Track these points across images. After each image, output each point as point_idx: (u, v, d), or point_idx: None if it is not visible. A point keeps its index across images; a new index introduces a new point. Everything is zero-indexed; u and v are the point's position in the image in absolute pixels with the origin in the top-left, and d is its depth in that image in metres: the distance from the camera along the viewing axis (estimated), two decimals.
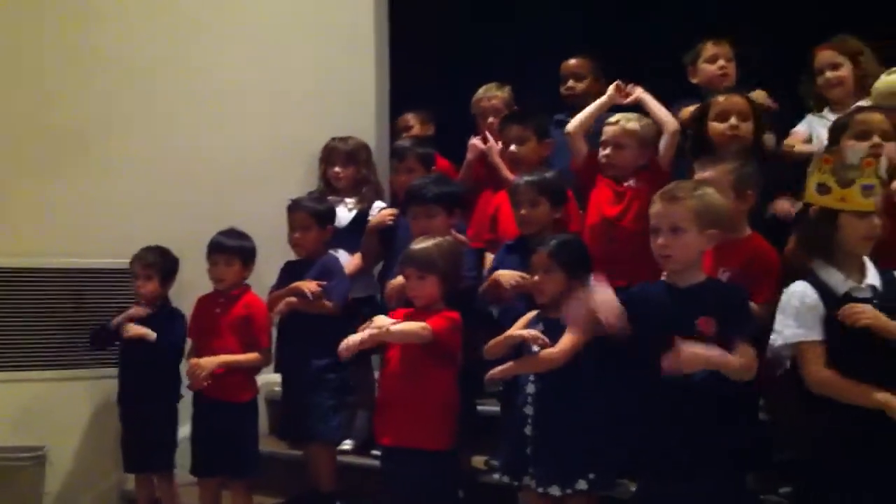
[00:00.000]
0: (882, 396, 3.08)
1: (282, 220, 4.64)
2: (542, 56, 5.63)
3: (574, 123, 4.47)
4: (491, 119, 5.10)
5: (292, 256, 4.68)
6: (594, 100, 4.59)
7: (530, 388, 3.66)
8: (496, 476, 3.82)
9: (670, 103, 4.47)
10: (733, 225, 3.53)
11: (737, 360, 3.20)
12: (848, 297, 3.19)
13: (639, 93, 4.39)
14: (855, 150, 3.47)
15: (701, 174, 3.69)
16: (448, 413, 3.86)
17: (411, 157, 4.85)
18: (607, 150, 4.31)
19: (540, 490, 3.58)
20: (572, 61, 5.38)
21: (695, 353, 3.15)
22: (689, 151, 4.19)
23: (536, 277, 3.72)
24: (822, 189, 3.26)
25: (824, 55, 4.57)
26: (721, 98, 4.18)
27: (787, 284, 3.34)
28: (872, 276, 3.23)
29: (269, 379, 4.90)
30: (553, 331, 3.60)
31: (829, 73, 4.52)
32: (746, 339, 3.25)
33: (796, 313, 3.23)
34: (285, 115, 5.54)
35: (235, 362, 4.39)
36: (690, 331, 3.21)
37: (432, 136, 5.55)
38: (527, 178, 4.19)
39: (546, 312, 3.71)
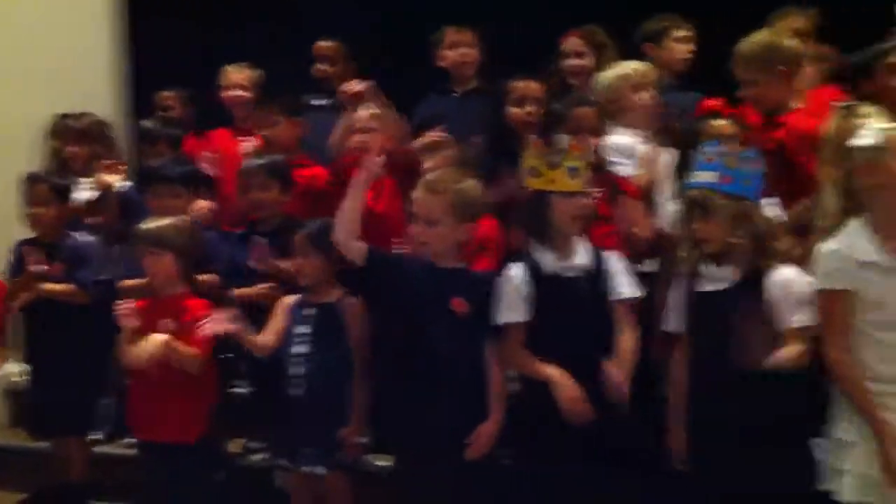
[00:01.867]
0: (550, 371, 3.28)
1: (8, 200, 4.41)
2: (296, 37, 5.57)
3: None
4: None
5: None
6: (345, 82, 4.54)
7: (298, 370, 3.68)
8: (256, 458, 3.82)
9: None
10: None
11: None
12: (557, 277, 3.36)
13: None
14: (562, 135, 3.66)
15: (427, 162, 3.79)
16: (201, 404, 3.83)
17: (162, 141, 4.75)
18: None
19: (305, 469, 3.62)
20: (323, 44, 5.38)
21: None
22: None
23: (296, 260, 3.73)
24: (534, 172, 3.40)
25: (571, 42, 4.75)
26: (518, 83, 4.26)
27: None
28: (583, 256, 3.40)
29: (8, 370, 4.64)
30: (325, 316, 3.66)
31: (573, 61, 4.72)
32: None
33: (506, 295, 3.37)
34: (15, 91, 5.25)
35: None
36: (444, 308, 3.31)
37: (191, 116, 5.42)
38: (257, 161, 4.18)
39: (311, 297, 3.75)
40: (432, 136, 4.13)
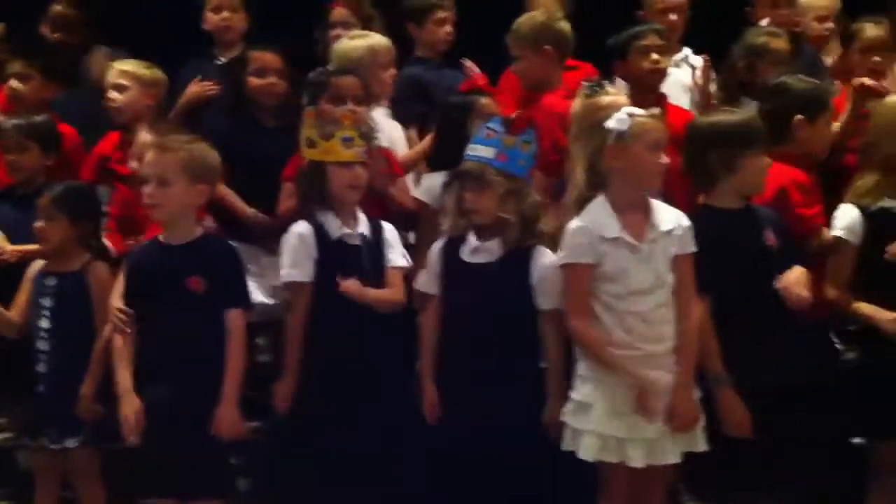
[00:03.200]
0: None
1: None
2: None
3: None
4: None
5: None
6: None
7: (43, 345, 3.57)
8: None
9: None
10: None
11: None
12: (341, 243, 3.41)
13: None
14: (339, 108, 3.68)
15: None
16: None
17: None
18: None
19: (54, 447, 3.51)
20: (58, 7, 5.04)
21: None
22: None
23: (39, 224, 3.58)
24: (309, 143, 3.42)
25: (338, 13, 4.75)
26: (257, 53, 4.17)
27: None
28: (364, 225, 3.47)
29: None
30: (68, 286, 3.54)
31: (339, 30, 4.66)
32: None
33: (293, 251, 3.39)
34: None
35: None
36: (178, 288, 3.23)
37: None
38: (14, 121, 3.99)
39: (54, 265, 3.61)
40: None
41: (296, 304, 3.40)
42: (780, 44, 4.19)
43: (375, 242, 3.48)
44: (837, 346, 3.97)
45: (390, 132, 4.17)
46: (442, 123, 4.00)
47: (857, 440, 3.59)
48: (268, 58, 4.15)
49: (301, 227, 3.41)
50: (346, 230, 3.42)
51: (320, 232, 3.40)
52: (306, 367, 3.40)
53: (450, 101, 4.11)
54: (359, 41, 4.23)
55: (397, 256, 3.50)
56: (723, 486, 3.29)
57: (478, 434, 3.28)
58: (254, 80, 4.14)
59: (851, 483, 3.64)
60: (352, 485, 3.31)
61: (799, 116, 3.55)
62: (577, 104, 3.49)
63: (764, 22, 4.52)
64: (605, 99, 3.38)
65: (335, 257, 3.39)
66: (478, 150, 3.38)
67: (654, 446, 3.12)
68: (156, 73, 4.18)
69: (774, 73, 3.91)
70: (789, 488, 3.31)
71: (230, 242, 3.43)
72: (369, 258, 3.45)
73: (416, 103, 4.48)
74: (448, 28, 4.80)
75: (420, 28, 4.79)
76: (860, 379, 3.50)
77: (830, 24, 4.62)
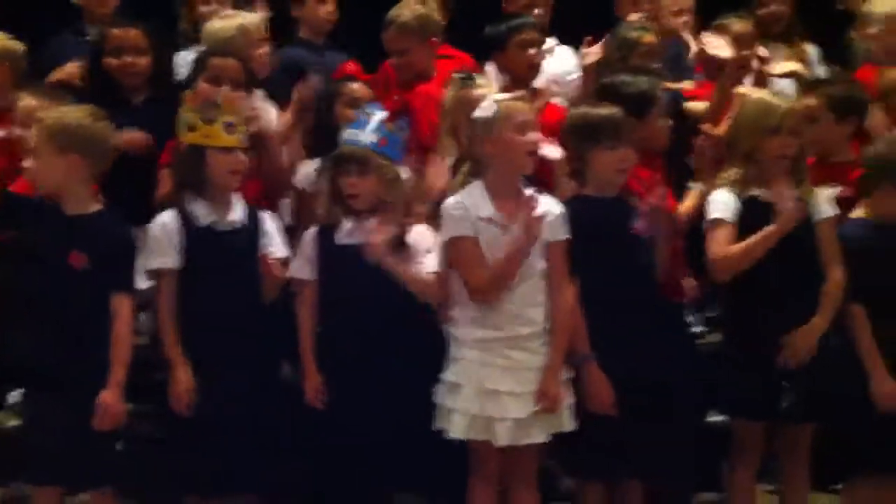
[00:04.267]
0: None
1: None
2: None
3: None
4: None
5: None
6: None
7: None
8: None
9: None
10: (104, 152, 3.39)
11: None
12: (210, 230, 3.38)
13: None
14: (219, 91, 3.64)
15: None
16: None
17: None
18: None
19: None
20: None
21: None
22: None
23: None
24: (190, 127, 3.37)
25: None
26: (115, 32, 4.08)
27: None
28: (239, 212, 3.44)
29: None
30: None
31: (207, 7, 4.56)
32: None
33: (155, 240, 3.36)
34: None
35: None
36: (63, 261, 3.18)
37: None
38: None
39: None
40: None
41: (161, 293, 3.36)
42: (651, 38, 4.34)
43: (252, 230, 3.44)
44: (699, 328, 4.17)
45: (266, 115, 4.07)
46: (315, 109, 3.99)
47: (716, 418, 3.72)
48: (126, 35, 4.04)
49: (165, 216, 3.37)
50: (215, 217, 3.39)
51: (188, 219, 3.36)
52: None
53: (318, 87, 4.07)
54: (229, 21, 4.16)
55: (274, 245, 3.48)
56: (588, 464, 3.42)
57: (362, 417, 3.33)
58: (111, 61, 4.04)
59: (711, 459, 3.82)
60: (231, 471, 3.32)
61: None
62: (448, 97, 3.56)
63: (634, 17, 4.64)
64: (477, 92, 3.43)
65: (203, 245, 3.36)
66: (358, 135, 3.42)
67: (520, 426, 3.22)
68: (8, 44, 4.05)
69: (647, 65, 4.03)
70: (651, 465, 3.44)
71: (126, 225, 3.36)
72: (243, 246, 3.42)
73: (293, 85, 4.32)
74: (329, 7, 4.75)
75: (301, 6, 4.74)
76: (720, 360, 3.63)
77: (686, 18, 4.77)
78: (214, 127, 3.34)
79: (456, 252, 3.28)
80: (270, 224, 3.51)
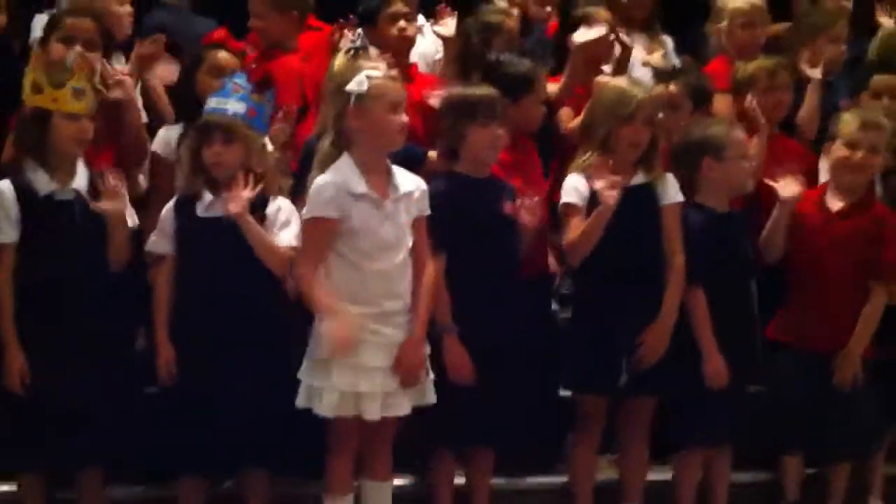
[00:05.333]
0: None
1: None
2: None
3: None
4: None
5: None
6: None
7: None
8: None
9: None
10: None
11: None
12: (50, 200, 3.31)
13: None
14: (71, 52, 3.53)
15: None
16: None
17: None
18: None
19: None
20: None
21: None
22: None
23: None
24: (36, 88, 3.26)
25: None
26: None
27: None
28: (81, 179, 3.36)
29: None
30: None
31: None
32: None
33: None
34: None
35: None
36: None
37: None
38: None
39: None
40: None
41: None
42: (512, 22, 4.41)
43: (94, 198, 3.35)
44: (553, 306, 4.30)
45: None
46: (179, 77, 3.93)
47: (564, 392, 3.84)
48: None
49: (2, 185, 3.28)
50: (56, 185, 3.31)
51: (26, 189, 3.28)
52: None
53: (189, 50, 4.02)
54: None
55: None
56: (446, 435, 3.51)
57: (216, 394, 3.32)
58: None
59: (558, 431, 3.95)
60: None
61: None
62: (336, 63, 3.54)
63: (500, 2, 4.75)
64: (363, 63, 3.41)
65: (41, 215, 3.28)
66: (226, 104, 3.38)
67: (387, 399, 3.26)
68: None
69: (506, 50, 4.08)
70: (503, 436, 3.56)
71: None
72: (86, 215, 3.33)
73: None
74: None
75: None
76: (570, 337, 3.72)
77: (549, 8, 4.92)
78: (63, 91, 3.25)
79: (309, 230, 3.27)
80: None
